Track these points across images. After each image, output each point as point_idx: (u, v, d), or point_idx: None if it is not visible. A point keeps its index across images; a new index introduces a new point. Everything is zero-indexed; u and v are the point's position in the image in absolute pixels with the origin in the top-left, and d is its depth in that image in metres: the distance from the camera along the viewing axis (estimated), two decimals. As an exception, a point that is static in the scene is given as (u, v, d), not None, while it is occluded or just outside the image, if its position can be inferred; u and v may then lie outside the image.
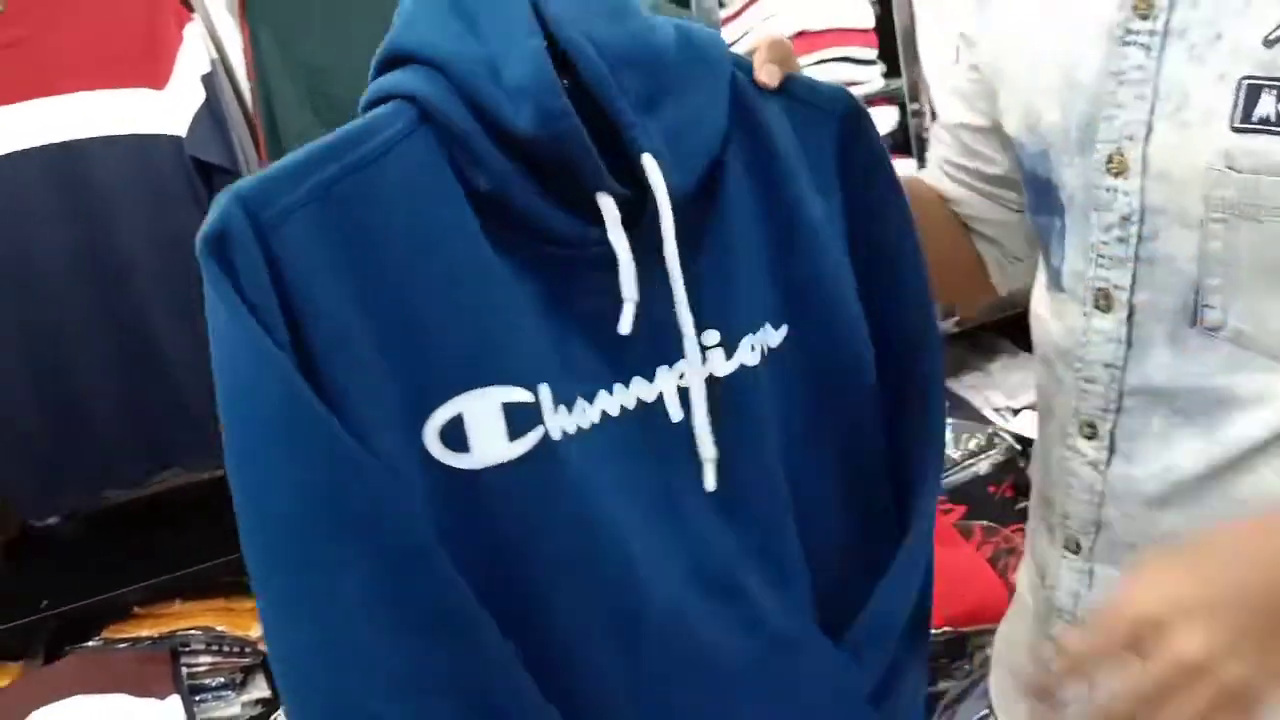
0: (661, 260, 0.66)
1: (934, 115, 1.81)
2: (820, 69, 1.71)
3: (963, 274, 0.98)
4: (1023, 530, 1.72)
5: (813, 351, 0.75)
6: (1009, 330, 2.17)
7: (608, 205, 0.64)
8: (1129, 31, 0.70)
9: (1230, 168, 0.65)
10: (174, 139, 1.53)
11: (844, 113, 0.75)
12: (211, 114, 1.54)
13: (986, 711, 1.64)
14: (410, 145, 0.62)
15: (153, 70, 1.51)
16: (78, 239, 1.50)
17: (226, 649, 1.65)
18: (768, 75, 0.71)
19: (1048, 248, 0.82)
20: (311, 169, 0.61)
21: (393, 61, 0.66)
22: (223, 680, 1.65)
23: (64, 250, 1.49)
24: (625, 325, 0.65)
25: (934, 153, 0.97)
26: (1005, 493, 1.83)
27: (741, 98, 0.71)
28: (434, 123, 0.62)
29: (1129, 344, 0.74)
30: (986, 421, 1.96)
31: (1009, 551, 1.65)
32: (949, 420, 1.91)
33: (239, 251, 0.58)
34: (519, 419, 0.64)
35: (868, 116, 0.76)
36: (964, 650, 1.60)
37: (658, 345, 0.68)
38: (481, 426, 0.63)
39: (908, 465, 0.79)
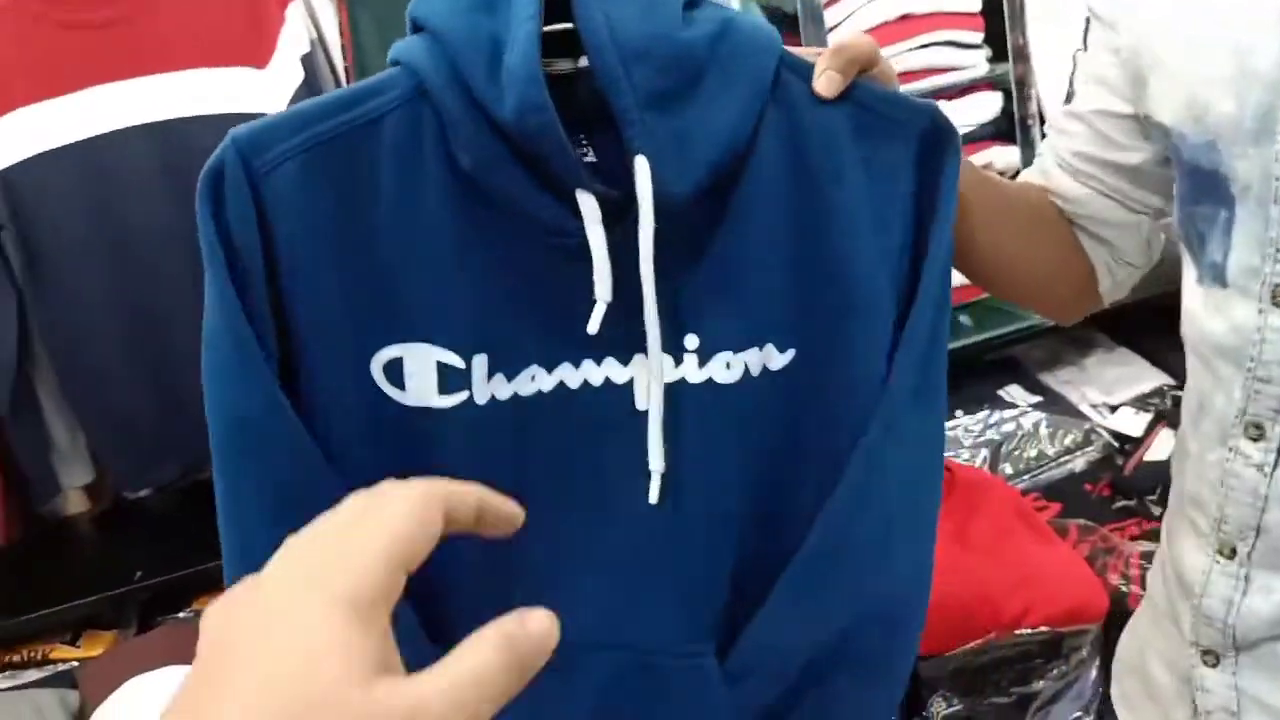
0: None
1: (1039, 103, 1.75)
2: (924, 53, 1.66)
3: (1070, 282, 0.93)
4: (1121, 529, 1.69)
5: (822, 380, 0.72)
6: (1105, 324, 2.11)
7: (587, 203, 0.64)
8: None
9: None
10: (273, 118, 1.53)
11: (925, 129, 0.70)
12: (310, 94, 1.53)
13: (1080, 713, 1.62)
14: (405, 113, 0.66)
15: (255, 49, 1.50)
16: (177, 217, 1.47)
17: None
18: (825, 84, 0.67)
19: (1204, 240, 0.78)
20: (310, 122, 0.66)
21: (416, 25, 0.68)
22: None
23: (163, 228, 1.49)
24: (593, 326, 0.66)
25: (1056, 144, 0.91)
26: (1102, 491, 1.78)
27: (790, 104, 0.68)
28: (431, 97, 0.65)
29: None
30: (1083, 417, 1.91)
31: (1107, 551, 1.60)
32: (1044, 415, 1.88)
33: (230, 192, 0.64)
34: (449, 379, 0.69)
35: (955, 137, 0.71)
36: (1059, 651, 1.56)
37: (637, 334, 0.68)
38: (417, 373, 0.69)
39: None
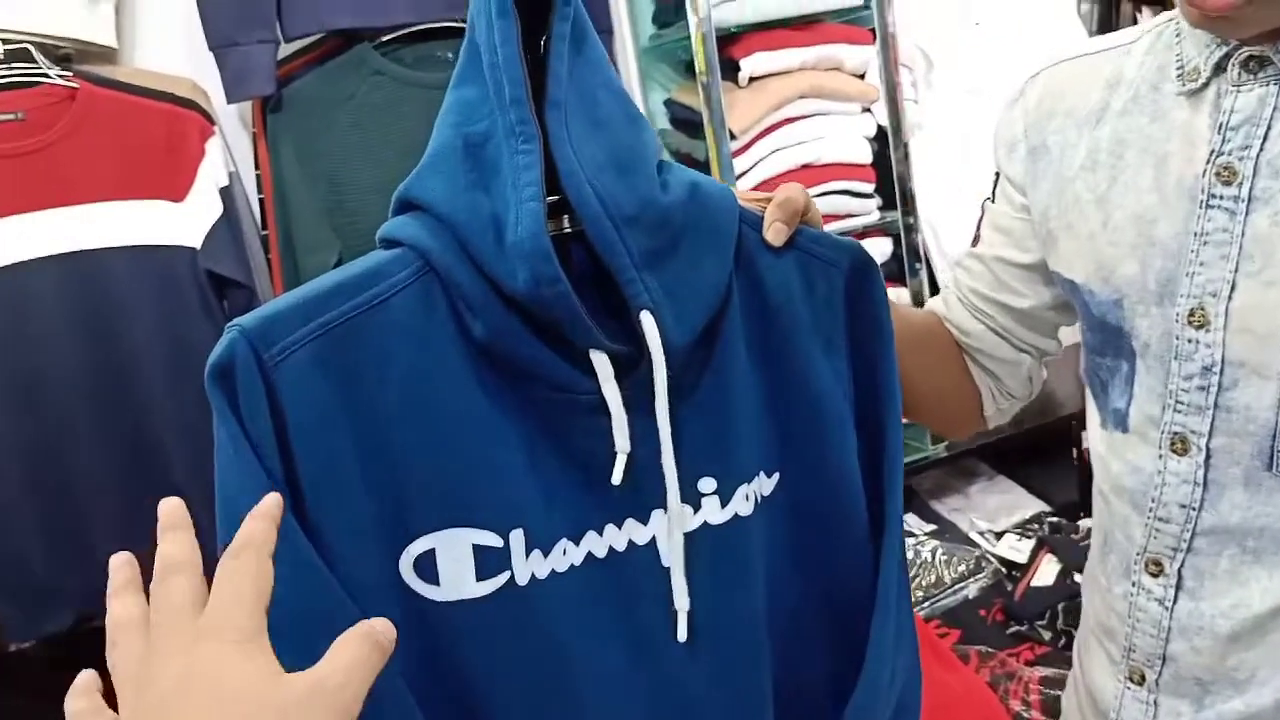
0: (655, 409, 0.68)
1: (924, 249, 1.88)
2: (823, 201, 1.77)
3: (959, 406, 1.01)
4: (1015, 655, 1.75)
5: (803, 497, 0.77)
6: (985, 454, 2.23)
7: (600, 362, 0.67)
8: (1213, 196, 0.74)
9: None
10: (189, 251, 1.53)
11: (850, 265, 0.78)
12: (229, 227, 1.54)
13: (984, 839, 1.64)
14: (413, 292, 0.66)
15: (172, 182, 1.50)
16: (88, 350, 1.46)
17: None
18: (774, 235, 0.74)
19: (1107, 388, 0.85)
20: (317, 308, 0.65)
21: (408, 204, 0.69)
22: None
23: (73, 361, 1.45)
24: (617, 476, 0.68)
25: (959, 280, 1.00)
26: (996, 617, 1.85)
27: (747, 253, 0.74)
28: (438, 274, 0.66)
29: (1205, 486, 0.77)
30: (973, 544, 1.99)
31: (1007, 676, 1.66)
32: (939, 543, 1.96)
33: (242, 385, 0.62)
34: (488, 562, 0.67)
35: (875, 268, 0.79)
36: (966, 778, 1.59)
37: (654, 489, 0.70)
38: (452, 563, 0.67)
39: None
